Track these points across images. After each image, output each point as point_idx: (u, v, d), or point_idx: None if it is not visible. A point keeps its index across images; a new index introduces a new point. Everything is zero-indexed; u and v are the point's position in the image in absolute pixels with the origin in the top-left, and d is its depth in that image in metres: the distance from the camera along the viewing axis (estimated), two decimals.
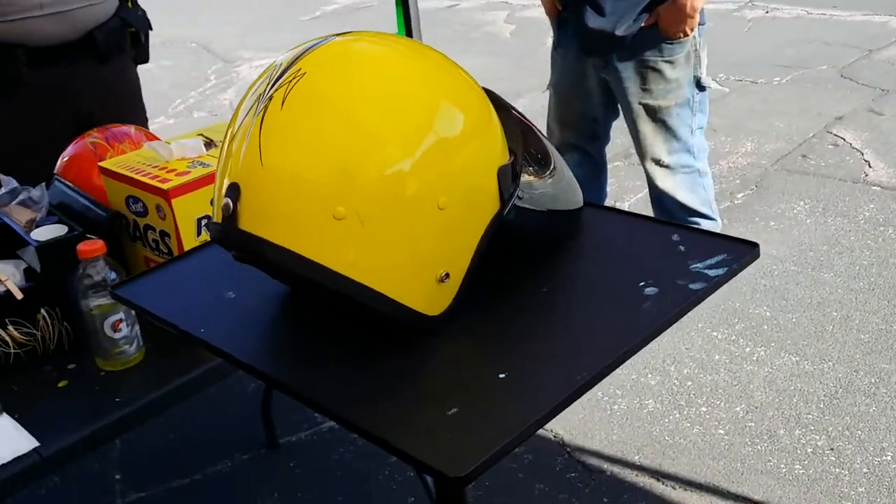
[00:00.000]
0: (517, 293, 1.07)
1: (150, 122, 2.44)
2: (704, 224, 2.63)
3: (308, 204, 0.88)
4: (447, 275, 0.93)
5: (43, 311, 1.48)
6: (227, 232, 0.89)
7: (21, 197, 1.66)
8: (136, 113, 2.33)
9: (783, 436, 2.14)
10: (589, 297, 1.06)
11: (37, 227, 1.59)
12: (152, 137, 1.85)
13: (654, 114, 2.49)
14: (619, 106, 2.60)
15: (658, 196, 2.62)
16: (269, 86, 0.91)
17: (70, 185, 1.68)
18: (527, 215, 1.04)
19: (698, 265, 1.09)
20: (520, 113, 1.15)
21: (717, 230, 2.71)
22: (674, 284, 1.05)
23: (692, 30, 2.35)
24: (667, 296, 1.03)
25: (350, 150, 0.88)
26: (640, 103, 2.48)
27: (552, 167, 1.15)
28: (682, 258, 1.11)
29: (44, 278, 1.48)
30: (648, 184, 2.63)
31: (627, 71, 2.46)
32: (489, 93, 1.04)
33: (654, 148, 2.54)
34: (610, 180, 2.84)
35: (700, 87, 2.48)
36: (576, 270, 1.13)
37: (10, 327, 1.45)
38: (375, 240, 0.89)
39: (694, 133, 2.54)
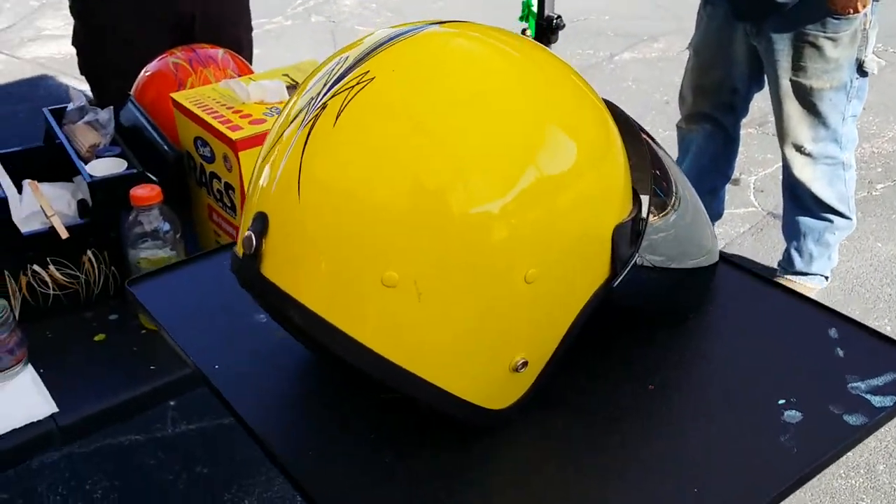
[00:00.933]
0: (613, 385, 0.84)
1: (267, 22, 2.28)
2: (838, 222, 2.36)
3: (350, 261, 0.68)
4: (525, 363, 0.73)
5: (89, 252, 1.34)
6: (246, 274, 0.70)
7: (88, 117, 1.51)
8: (241, 16, 2.18)
9: None
10: (706, 409, 0.81)
11: (97, 156, 1.44)
12: (241, 64, 1.67)
13: (804, 94, 2.20)
14: (765, 78, 2.32)
15: (792, 185, 2.36)
16: (326, 88, 0.71)
17: (142, 110, 1.53)
18: (639, 270, 0.83)
19: (860, 384, 0.83)
20: (646, 133, 0.93)
21: (850, 230, 2.42)
22: (824, 411, 0.80)
23: (864, 6, 2.04)
24: (813, 428, 0.78)
25: (414, 194, 0.67)
26: (790, 80, 2.20)
27: (675, 195, 0.91)
28: (839, 368, 0.85)
29: (94, 218, 1.33)
30: (783, 168, 2.36)
31: (782, 42, 2.18)
32: (612, 109, 0.82)
33: (797, 132, 2.27)
34: (739, 150, 2.56)
35: (862, 71, 2.18)
36: (693, 363, 0.88)
37: (52, 267, 1.32)
38: (434, 318, 0.69)
39: (846, 121, 2.25)
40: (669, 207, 0.90)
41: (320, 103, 0.70)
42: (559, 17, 2.10)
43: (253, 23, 2.25)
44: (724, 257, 1.00)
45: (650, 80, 4.02)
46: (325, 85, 0.71)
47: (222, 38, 1.85)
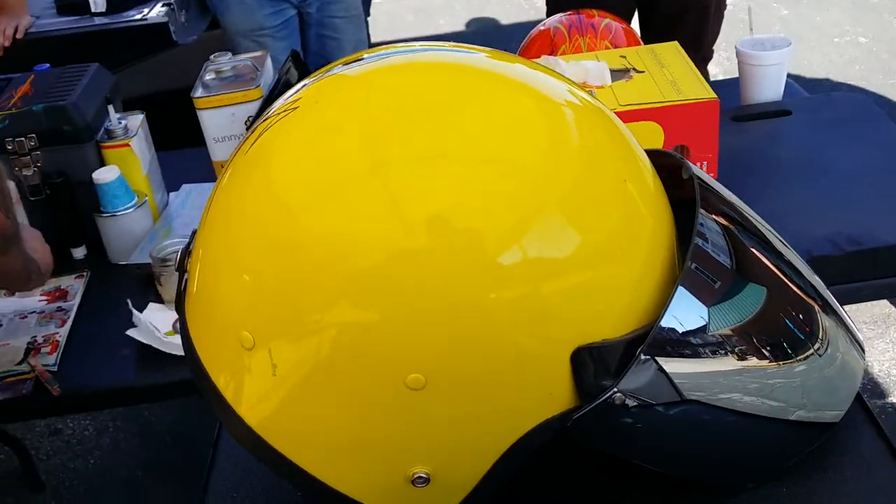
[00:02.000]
0: None
1: None
2: None
3: (213, 308, 0.60)
4: (425, 479, 0.58)
5: None
6: (176, 308, 0.66)
7: None
8: None
9: None
10: None
11: None
12: (629, 36, 1.54)
13: None
14: None
15: None
16: (270, 111, 0.62)
17: None
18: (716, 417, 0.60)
19: None
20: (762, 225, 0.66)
21: None
22: None
23: None
24: None
25: (277, 242, 0.56)
26: None
27: (817, 344, 0.65)
28: None
29: None
30: None
31: None
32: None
33: None
34: None
35: None
36: None
37: None
38: (295, 399, 0.58)
39: None
40: (802, 357, 0.64)
41: (252, 128, 0.62)
42: None
43: None
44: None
45: None
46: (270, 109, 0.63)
47: None
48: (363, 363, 0.55)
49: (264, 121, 0.61)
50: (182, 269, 0.64)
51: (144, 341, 1.19)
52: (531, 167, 0.57)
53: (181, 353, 1.16)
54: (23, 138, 1.39)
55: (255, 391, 0.58)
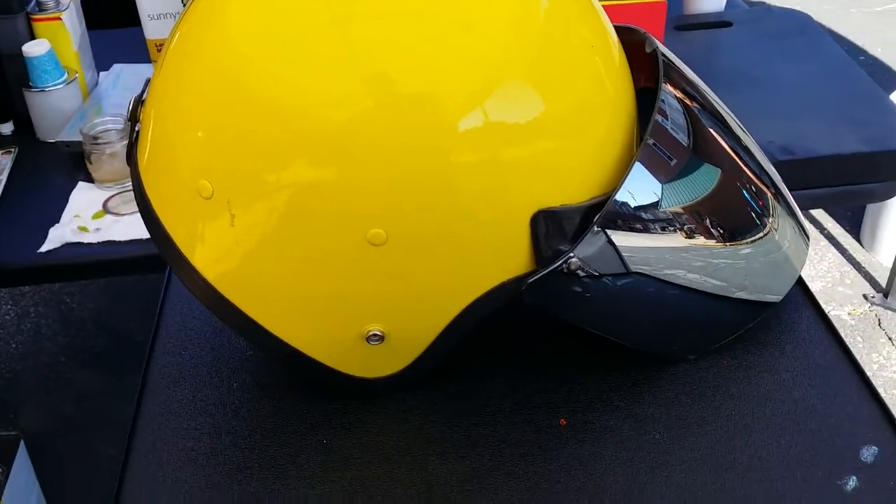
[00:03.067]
0: (526, 411, 0.65)
1: None
2: None
3: (169, 156, 0.59)
4: (379, 336, 0.59)
5: None
6: (127, 159, 0.64)
7: None
8: None
9: None
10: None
11: None
12: None
13: None
14: None
15: None
16: None
17: None
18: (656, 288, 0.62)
19: None
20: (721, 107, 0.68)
21: None
22: None
23: None
24: None
25: (240, 79, 0.55)
26: None
27: (766, 229, 0.67)
28: None
29: None
30: None
31: None
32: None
33: None
34: None
35: None
36: (707, 412, 0.65)
37: None
38: (252, 252, 0.57)
39: None
40: (751, 235, 0.66)
41: None
42: None
43: None
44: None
45: None
46: None
47: None
48: (323, 219, 0.55)
49: None
50: (134, 118, 0.62)
51: (62, 244, 1.17)
52: (498, 30, 0.57)
53: (101, 239, 1.16)
54: None
55: (212, 242, 0.58)
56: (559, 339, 0.68)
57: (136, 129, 0.62)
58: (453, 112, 0.55)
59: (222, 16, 0.58)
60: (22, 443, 1.39)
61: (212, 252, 0.59)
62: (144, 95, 0.62)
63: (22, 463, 1.38)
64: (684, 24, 1.51)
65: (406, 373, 0.62)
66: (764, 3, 3.02)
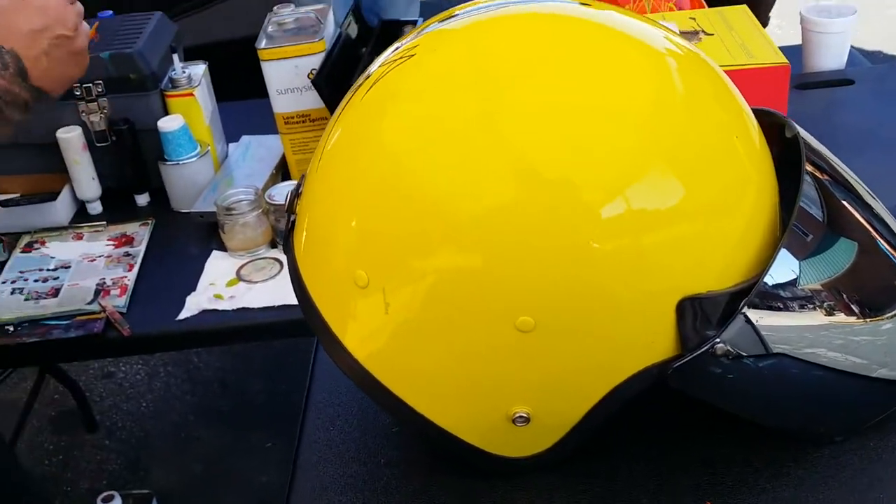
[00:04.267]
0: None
1: None
2: None
3: (326, 246, 0.62)
4: (525, 418, 0.61)
5: None
6: (284, 247, 0.68)
7: None
8: None
9: None
10: None
11: None
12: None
13: None
14: None
15: None
16: (383, 57, 0.64)
17: None
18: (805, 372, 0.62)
19: None
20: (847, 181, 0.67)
21: None
22: None
23: None
24: None
25: (401, 180, 0.58)
26: None
27: None
28: None
29: None
30: None
31: None
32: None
33: None
34: None
35: None
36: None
37: None
38: (404, 337, 0.60)
39: None
40: (890, 310, 0.65)
41: (367, 73, 0.63)
42: None
43: None
44: None
45: None
46: (387, 53, 0.64)
47: None
48: (472, 305, 0.57)
49: (379, 66, 0.63)
50: (291, 209, 0.66)
51: (199, 311, 1.23)
52: (638, 117, 0.58)
53: (236, 306, 1.21)
54: (90, 84, 1.41)
55: (365, 327, 0.61)
56: (700, 416, 0.69)
57: (292, 219, 0.66)
58: (595, 200, 0.56)
59: (378, 115, 0.61)
60: (155, 501, 1.45)
61: (363, 334, 0.61)
62: (300, 189, 0.66)
63: None
64: (805, 83, 1.50)
65: (550, 452, 0.64)
66: (889, 61, 2.96)
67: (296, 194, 0.66)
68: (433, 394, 0.61)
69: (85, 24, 1.02)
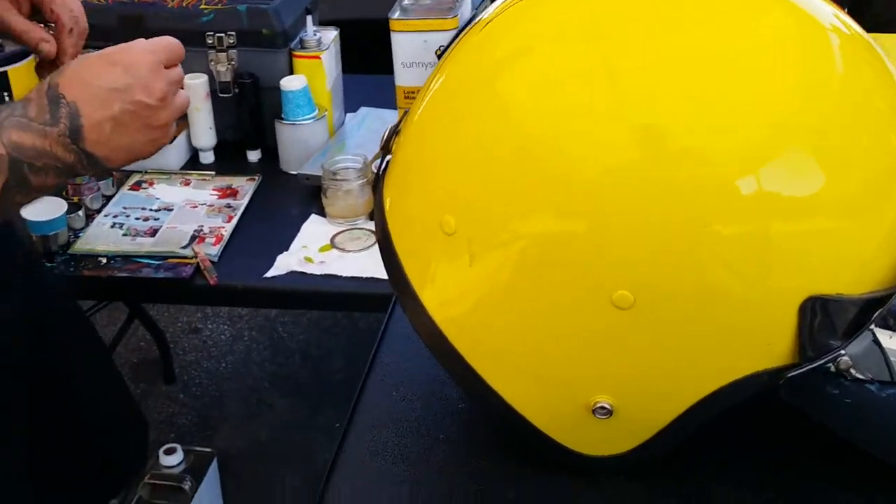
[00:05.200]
0: None
1: None
2: None
3: (415, 193, 0.57)
4: (607, 410, 0.54)
5: None
6: (374, 188, 0.63)
7: None
8: None
9: None
10: None
11: None
12: None
13: None
14: None
15: None
16: None
17: None
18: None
19: None
20: None
21: None
22: None
23: None
24: None
25: (520, 129, 0.53)
26: None
27: None
28: None
29: None
30: None
31: None
32: None
33: None
34: None
35: None
36: None
37: None
38: (484, 296, 0.54)
39: None
40: None
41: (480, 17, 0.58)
42: None
43: None
44: None
45: None
46: None
47: None
48: (567, 273, 0.51)
49: (495, 9, 0.58)
50: (387, 149, 0.61)
51: (287, 271, 1.20)
52: (786, 90, 0.52)
53: (324, 272, 1.17)
54: (223, 34, 1.40)
55: (445, 282, 0.55)
56: (794, 439, 0.60)
57: (387, 159, 0.61)
58: (724, 174, 0.50)
59: (491, 58, 0.56)
60: (215, 461, 1.42)
61: (444, 292, 0.56)
62: (399, 127, 0.61)
63: (212, 480, 1.41)
64: None
65: (631, 455, 0.57)
66: None
67: (394, 131, 0.61)
68: (509, 368, 0.55)
69: (180, 98, 0.81)
